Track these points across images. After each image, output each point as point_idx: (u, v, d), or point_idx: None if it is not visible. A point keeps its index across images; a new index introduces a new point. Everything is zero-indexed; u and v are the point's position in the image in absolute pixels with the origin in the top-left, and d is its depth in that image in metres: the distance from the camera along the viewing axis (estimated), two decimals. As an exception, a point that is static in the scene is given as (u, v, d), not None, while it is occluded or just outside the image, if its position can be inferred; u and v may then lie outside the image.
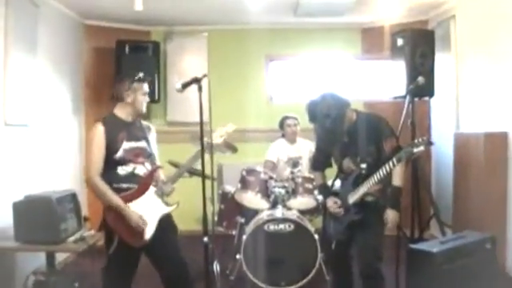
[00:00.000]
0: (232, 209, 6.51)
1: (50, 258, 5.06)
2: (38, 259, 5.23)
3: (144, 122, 4.65)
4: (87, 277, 5.43)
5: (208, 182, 4.19)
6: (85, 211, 5.66)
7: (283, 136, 7.23)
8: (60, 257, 5.99)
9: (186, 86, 3.98)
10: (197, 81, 3.90)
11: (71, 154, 7.25)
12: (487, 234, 5.35)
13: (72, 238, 4.95)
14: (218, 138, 4.52)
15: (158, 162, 4.63)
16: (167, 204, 4.44)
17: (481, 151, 6.03)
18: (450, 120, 7.24)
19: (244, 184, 6.27)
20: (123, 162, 4.31)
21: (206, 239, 3.91)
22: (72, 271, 6.15)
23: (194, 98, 3.93)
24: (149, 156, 4.51)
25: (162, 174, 4.56)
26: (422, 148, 4.11)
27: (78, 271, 5.86)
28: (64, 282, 4.96)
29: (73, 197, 5.24)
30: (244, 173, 6.31)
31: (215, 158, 4.42)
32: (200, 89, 3.88)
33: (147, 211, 4.29)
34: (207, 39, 8.63)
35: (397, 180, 4.43)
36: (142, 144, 4.48)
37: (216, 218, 6.50)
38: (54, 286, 4.67)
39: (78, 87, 7.59)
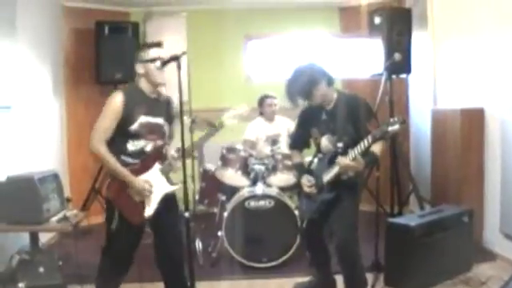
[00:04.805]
0: (213, 187, 6.56)
1: (34, 237, 5.07)
2: (22, 239, 5.24)
3: (165, 96, 4.51)
4: (71, 257, 5.46)
5: (189, 161, 4.19)
6: (67, 193, 5.67)
7: (261, 114, 7.26)
8: (43, 238, 5.99)
9: (164, 63, 3.99)
10: (176, 59, 3.90)
11: (53, 135, 7.25)
12: (464, 208, 5.47)
13: (55, 218, 4.96)
14: (229, 118, 4.49)
15: (174, 139, 4.50)
16: (172, 183, 4.38)
17: (457, 127, 6.12)
18: (428, 97, 7.31)
19: (224, 162, 6.33)
20: (136, 136, 4.21)
21: (187, 214, 3.96)
22: (56, 251, 6.19)
23: (174, 77, 3.90)
24: (163, 135, 4.41)
25: (173, 152, 4.36)
26: (396, 127, 4.06)
27: (62, 251, 5.89)
28: (48, 261, 4.98)
29: (55, 177, 5.23)
30: (224, 151, 6.37)
31: (195, 137, 4.46)
32: (179, 67, 3.86)
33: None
34: (186, 19, 8.61)
35: (376, 148, 4.40)
36: (159, 121, 4.36)
37: (197, 197, 6.57)
38: (39, 265, 4.69)
39: (58, 69, 7.56)
